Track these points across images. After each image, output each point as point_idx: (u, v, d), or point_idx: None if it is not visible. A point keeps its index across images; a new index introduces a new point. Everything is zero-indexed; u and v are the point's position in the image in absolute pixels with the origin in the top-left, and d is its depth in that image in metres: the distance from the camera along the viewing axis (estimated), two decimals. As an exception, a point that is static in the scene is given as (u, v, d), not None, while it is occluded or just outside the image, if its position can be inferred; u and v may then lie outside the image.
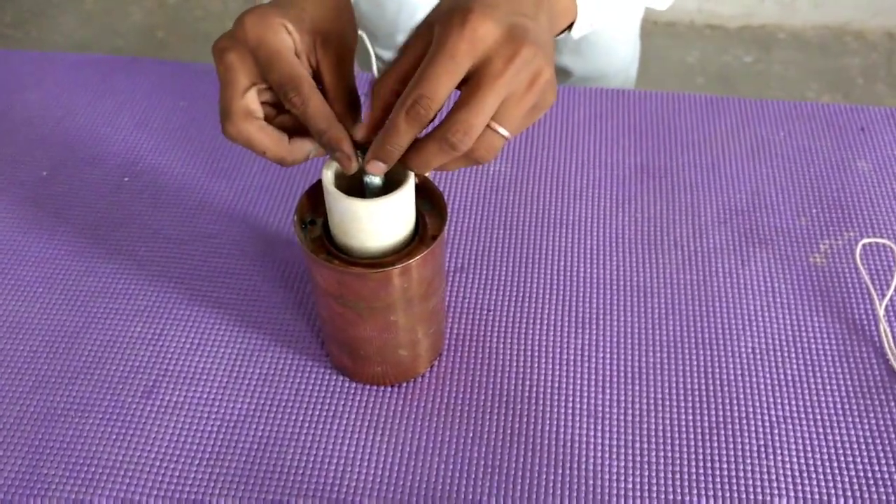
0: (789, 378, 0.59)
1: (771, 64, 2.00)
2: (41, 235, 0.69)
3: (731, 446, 0.56)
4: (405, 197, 0.50)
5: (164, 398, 0.59)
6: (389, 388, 0.59)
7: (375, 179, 0.49)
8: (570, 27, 0.54)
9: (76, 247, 0.69)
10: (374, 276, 0.51)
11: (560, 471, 0.55)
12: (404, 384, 0.60)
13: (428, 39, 0.44)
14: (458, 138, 0.43)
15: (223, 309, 0.64)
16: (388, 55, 1.03)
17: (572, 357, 0.61)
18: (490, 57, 0.42)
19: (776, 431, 0.56)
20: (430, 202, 0.54)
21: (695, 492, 0.54)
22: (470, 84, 0.43)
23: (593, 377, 0.60)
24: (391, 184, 0.50)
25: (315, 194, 0.54)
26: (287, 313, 0.64)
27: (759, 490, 0.54)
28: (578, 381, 0.59)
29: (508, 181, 0.73)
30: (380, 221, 0.50)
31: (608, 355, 0.61)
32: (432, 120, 0.44)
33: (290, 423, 0.57)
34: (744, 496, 0.53)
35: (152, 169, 0.75)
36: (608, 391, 0.59)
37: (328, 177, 0.49)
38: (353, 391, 0.59)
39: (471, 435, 0.57)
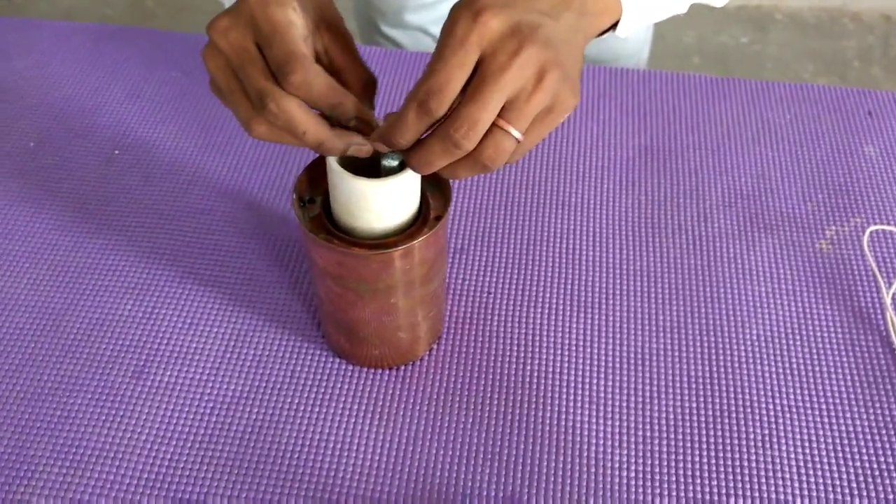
0: (794, 366, 0.58)
1: (767, 45, 1.98)
2: (28, 209, 0.67)
3: (736, 435, 0.55)
4: (413, 177, 0.48)
5: (154, 378, 0.57)
6: (387, 371, 0.58)
7: (394, 161, 0.47)
8: (614, 26, 0.51)
9: (64, 221, 0.67)
10: (377, 258, 0.49)
11: (561, 458, 0.54)
12: (402, 367, 0.58)
13: None
14: (462, 134, 0.41)
15: (216, 287, 0.62)
16: (396, 34, 1.01)
17: (574, 342, 0.59)
18: (495, 50, 0.41)
19: (781, 421, 0.55)
20: (433, 182, 0.52)
21: (698, 481, 0.53)
22: (474, 78, 0.41)
23: (595, 363, 0.58)
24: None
25: (314, 171, 0.53)
26: (282, 292, 0.62)
27: (763, 480, 0.53)
28: (580, 367, 0.58)
29: (509, 160, 0.72)
30: (387, 202, 0.48)
31: (610, 340, 0.60)
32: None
33: (286, 406, 0.56)
34: (748, 486, 0.52)
35: (143, 142, 0.73)
36: (610, 377, 0.58)
37: None
38: (349, 374, 0.58)
39: (470, 420, 0.55)
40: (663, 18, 0.56)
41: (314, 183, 0.52)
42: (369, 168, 0.48)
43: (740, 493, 0.52)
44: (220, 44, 0.43)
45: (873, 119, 0.75)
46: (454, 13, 0.41)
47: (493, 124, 0.41)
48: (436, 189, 0.52)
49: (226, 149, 0.72)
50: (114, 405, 0.56)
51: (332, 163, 0.47)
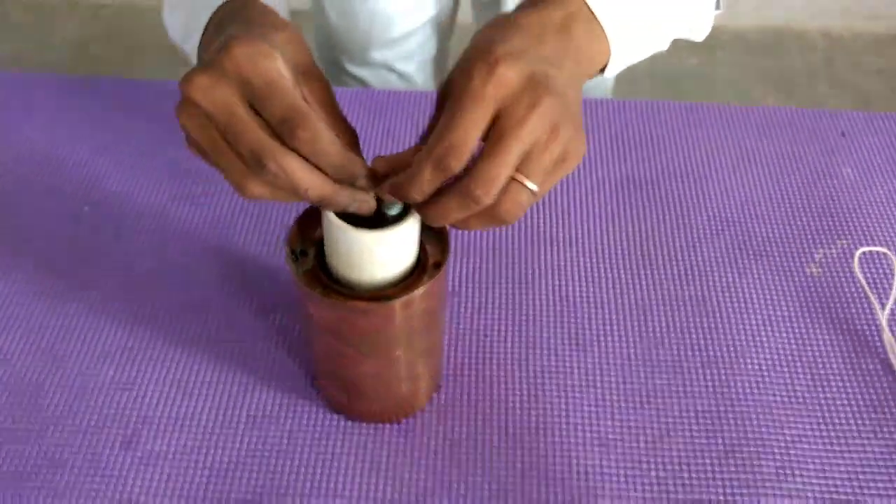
0: (799, 395, 0.58)
1: (716, 66, 2.02)
2: (-5, 274, 0.64)
3: (750, 469, 0.54)
4: (415, 224, 0.47)
5: (144, 448, 0.55)
6: (388, 426, 0.56)
7: (394, 209, 0.45)
8: (602, 69, 0.51)
9: (34, 285, 0.63)
10: (379, 311, 0.48)
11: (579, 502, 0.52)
12: (404, 420, 0.56)
13: None
14: (482, 191, 0.40)
15: (201, 347, 0.60)
16: (362, 72, 0.99)
17: (576, 383, 0.58)
18: (512, 104, 0.40)
19: (793, 452, 0.55)
20: (429, 228, 0.51)
21: (716, 520, 0.51)
22: (492, 134, 0.40)
23: (600, 404, 0.57)
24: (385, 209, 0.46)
25: (305, 222, 0.51)
26: (270, 348, 0.60)
27: (781, 515, 0.52)
28: (585, 409, 0.57)
29: (493, 198, 0.70)
30: (390, 252, 0.47)
31: (613, 379, 0.58)
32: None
33: (286, 470, 0.54)
34: (766, 522, 0.51)
35: (113, 196, 0.70)
36: (617, 418, 0.56)
37: None
38: (349, 430, 0.56)
39: (479, 472, 0.54)
40: (647, 56, 0.56)
41: (305, 234, 0.51)
42: (363, 217, 0.47)
43: (759, 529, 0.51)
44: (201, 103, 0.40)
45: (847, 140, 0.76)
46: (468, 65, 0.40)
47: (510, 178, 0.40)
48: (431, 235, 0.51)
49: (200, 199, 0.70)
50: (103, 480, 0.53)
51: (332, 216, 0.46)
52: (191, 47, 0.54)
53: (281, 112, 0.39)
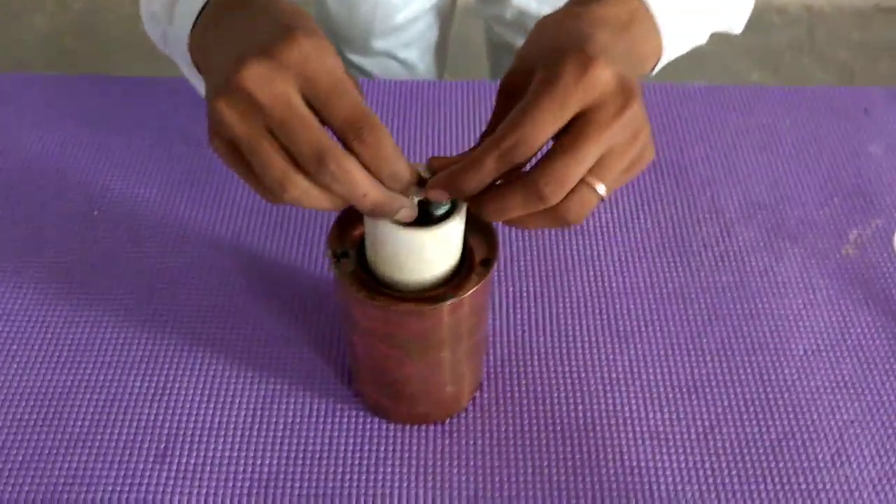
0: (847, 379, 0.57)
1: (705, 43, 2.01)
2: (5, 285, 0.61)
3: (805, 457, 0.53)
4: (462, 221, 0.45)
5: (179, 461, 0.52)
6: (433, 427, 0.54)
7: (441, 207, 0.43)
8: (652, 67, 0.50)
9: (49, 295, 0.61)
10: (429, 313, 0.46)
11: (634, 501, 0.51)
12: (447, 421, 0.54)
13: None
14: (550, 190, 0.37)
15: (230, 352, 0.58)
16: (363, 61, 0.97)
17: (621, 375, 0.57)
18: (599, 106, 0.37)
19: (846, 437, 0.54)
20: (474, 224, 0.49)
21: (776, 512, 0.50)
22: (571, 132, 0.38)
23: (647, 395, 0.56)
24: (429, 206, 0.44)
25: (344, 223, 0.49)
26: (302, 351, 0.58)
27: (841, 501, 0.51)
28: (633, 401, 0.55)
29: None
30: (439, 250, 0.45)
31: (658, 370, 0.57)
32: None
33: (330, 476, 0.52)
34: (826, 511, 0.50)
35: (123, 199, 0.67)
36: (665, 409, 0.55)
37: None
38: (393, 434, 0.54)
39: (529, 471, 0.52)
40: (687, 51, 0.55)
41: (345, 235, 0.48)
42: None
43: (820, 519, 0.50)
44: (255, 94, 0.37)
45: (870, 117, 0.75)
46: (561, 59, 0.38)
47: (581, 179, 0.38)
48: (476, 231, 0.49)
49: (214, 199, 0.67)
50: (139, 496, 0.51)
51: (381, 216, 0.43)
52: (173, 35, 0.51)
53: (347, 114, 0.37)
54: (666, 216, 0.66)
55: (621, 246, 0.64)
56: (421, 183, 0.42)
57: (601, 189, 0.39)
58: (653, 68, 0.49)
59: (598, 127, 0.37)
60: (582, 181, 0.38)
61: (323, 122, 0.39)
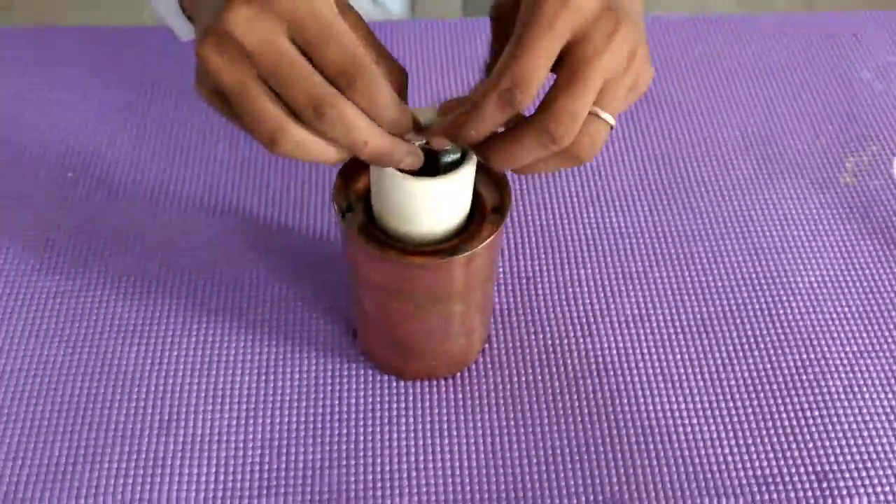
0: (855, 310, 0.56)
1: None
2: (-17, 255, 0.58)
3: (818, 389, 0.53)
4: (472, 169, 0.43)
5: (186, 431, 0.51)
6: (443, 381, 0.53)
7: (450, 155, 0.41)
8: None
9: (28, 266, 0.58)
10: (443, 266, 0.44)
11: (652, 448, 0.50)
12: (457, 374, 0.53)
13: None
14: (563, 129, 0.36)
15: (228, 316, 0.56)
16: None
17: (629, 318, 0.56)
18: (588, 32, 0.36)
19: (857, 368, 0.54)
20: (483, 172, 0.47)
21: (794, 448, 0.50)
22: (568, 65, 0.36)
23: (657, 337, 0.55)
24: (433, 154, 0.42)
25: (348, 175, 0.46)
26: (304, 310, 0.56)
27: (856, 432, 0.51)
28: (643, 344, 0.55)
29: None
30: (450, 201, 0.43)
31: (666, 310, 0.56)
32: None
33: (343, 438, 0.50)
34: (843, 440, 0.50)
35: (98, 160, 0.64)
36: (676, 349, 0.54)
37: None
38: (404, 390, 0.52)
39: (546, 421, 0.51)
40: None
41: (349, 188, 0.46)
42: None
43: (837, 449, 0.50)
44: (243, 38, 0.35)
45: (860, 42, 0.74)
46: None
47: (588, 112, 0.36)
48: (486, 178, 0.47)
49: (196, 155, 0.64)
50: (144, 468, 0.49)
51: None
52: None
53: (340, 60, 0.35)
54: (662, 152, 0.65)
55: (619, 185, 0.63)
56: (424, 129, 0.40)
57: (608, 118, 0.37)
58: None
59: (590, 54, 0.35)
60: (588, 114, 0.37)
61: (315, 67, 0.36)
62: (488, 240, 0.44)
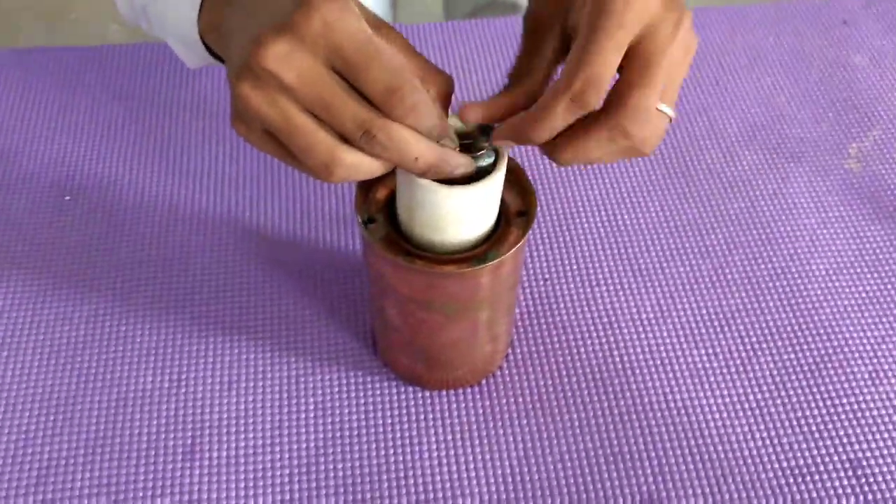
0: (872, 295, 0.57)
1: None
2: (-17, 286, 0.56)
3: (845, 378, 0.53)
4: (504, 170, 0.42)
5: (210, 455, 0.49)
6: (469, 390, 0.52)
7: (485, 160, 0.40)
8: None
9: (33, 293, 0.56)
10: (472, 274, 0.43)
11: (686, 445, 0.50)
12: (483, 382, 0.53)
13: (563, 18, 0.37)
14: (638, 127, 0.35)
15: (244, 335, 0.54)
16: None
17: (651, 315, 0.55)
18: (655, 28, 0.35)
19: (881, 354, 0.54)
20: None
21: (826, 437, 0.50)
22: (637, 60, 0.35)
23: (680, 332, 0.55)
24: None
25: (367, 185, 0.45)
26: (321, 325, 0.55)
27: (885, 417, 0.51)
28: (668, 340, 0.54)
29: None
30: (480, 207, 0.42)
31: (687, 306, 0.56)
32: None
33: (373, 454, 0.49)
34: (874, 427, 0.50)
35: (96, 182, 0.62)
36: (700, 345, 0.54)
37: None
38: (431, 400, 0.52)
39: (577, 424, 0.51)
40: None
41: (370, 198, 0.45)
42: None
43: (869, 435, 0.50)
44: (280, 74, 0.34)
45: (850, 28, 0.74)
46: None
47: None
48: (508, 180, 0.46)
49: (197, 170, 0.63)
50: (172, 497, 0.47)
51: (417, 177, 0.40)
52: (159, 8, 0.48)
53: (383, 81, 0.34)
54: (667, 146, 0.65)
55: (628, 181, 0.63)
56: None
57: (668, 111, 0.37)
58: None
59: (661, 49, 0.35)
60: None
61: (356, 90, 0.36)
62: (516, 246, 0.43)
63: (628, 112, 0.35)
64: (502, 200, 0.46)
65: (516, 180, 0.46)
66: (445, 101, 0.40)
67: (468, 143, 0.40)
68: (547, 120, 0.36)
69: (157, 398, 0.51)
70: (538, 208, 0.46)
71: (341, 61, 0.35)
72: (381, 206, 0.45)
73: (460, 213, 0.42)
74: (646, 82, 0.35)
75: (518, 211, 0.45)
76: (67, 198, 0.61)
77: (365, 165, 0.37)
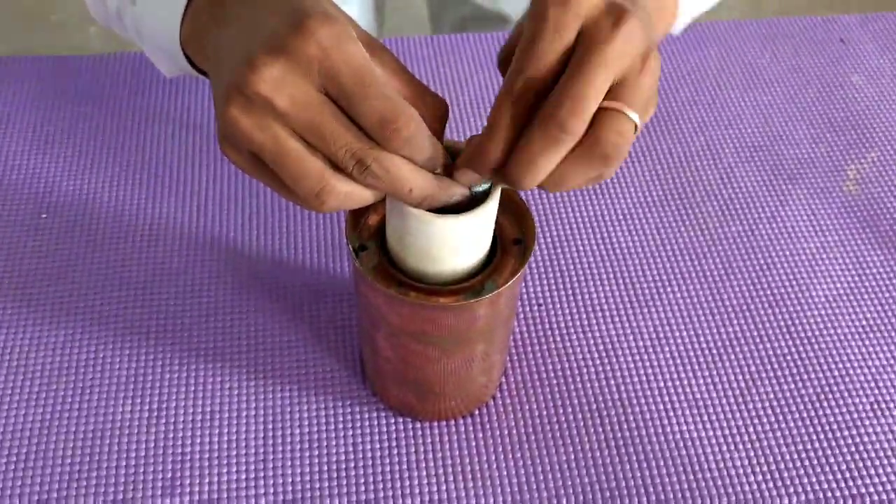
0: (872, 322, 0.55)
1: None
2: (-46, 308, 0.54)
3: (845, 409, 0.51)
4: (498, 196, 0.40)
5: (192, 490, 0.47)
6: (462, 421, 0.50)
7: (484, 185, 0.39)
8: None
9: (5, 317, 0.54)
10: (468, 307, 0.41)
11: (685, 479, 0.48)
12: (475, 412, 0.51)
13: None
14: (567, 113, 0.33)
15: (226, 362, 0.52)
16: None
17: (648, 342, 0.54)
18: (593, 23, 0.34)
19: (881, 384, 0.52)
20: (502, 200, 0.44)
21: (828, 472, 0.49)
22: (574, 53, 0.34)
23: (678, 361, 0.53)
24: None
25: (359, 212, 0.44)
26: (307, 353, 0.53)
27: (888, 451, 0.50)
28: (665, 369, 0.53)
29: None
30: (475, 236, 0.40)
31: (684, 333, 0.54)
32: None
33: (362, 487, 0.47)
34: (875, 460, 0.49)
35: (73, 198, 0.60)
36: (699, 374, 0.53)
37: None
38: (421, 432, 0.50)
39: (573, 456, 0.49)
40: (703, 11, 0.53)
41: (360, 225, 0.44)
42: None
43: (871, 469, 0.49)
44: (274, 99, 0.33)
45: (847, 46, 0.73)
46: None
47: (608, 108, 0.34)
48: (504, 206, 0.44)
49: (178, 189, 0.61)
50: (152, 536, 0.45)
51: (408, 206, 0.39)
52: (136, 14, 0.46)
53: (379, 110, 0.33)
54: (663, 167, 0.63)
55: (623, 203, 0.61)
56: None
57: (633, 115, 0.34)
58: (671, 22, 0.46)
59: (597, 40, 0.33)
60: (608, 109, 0.34)
61: (350, 118, 0.34)
62: (514, 277, 0.42)
63: (558, 101, 0.33)
64: (498, 226, 0.44)
65: (511, 205, 0.44)
66: (440, 125, 0.38)
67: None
68: (496, 131, 0.35)
69: (135, 429, 0.49)
70: (536, 234, 0.44)
71: (336, 88, 0.34)
72: (372, 231, 0.44)
73: (454, 243, 0.40)
74: (578, 70, 0.33)
75: (514, 238, 0.44)
76: (44, 215, 0.59)
77: (357, 194, 0.36)
